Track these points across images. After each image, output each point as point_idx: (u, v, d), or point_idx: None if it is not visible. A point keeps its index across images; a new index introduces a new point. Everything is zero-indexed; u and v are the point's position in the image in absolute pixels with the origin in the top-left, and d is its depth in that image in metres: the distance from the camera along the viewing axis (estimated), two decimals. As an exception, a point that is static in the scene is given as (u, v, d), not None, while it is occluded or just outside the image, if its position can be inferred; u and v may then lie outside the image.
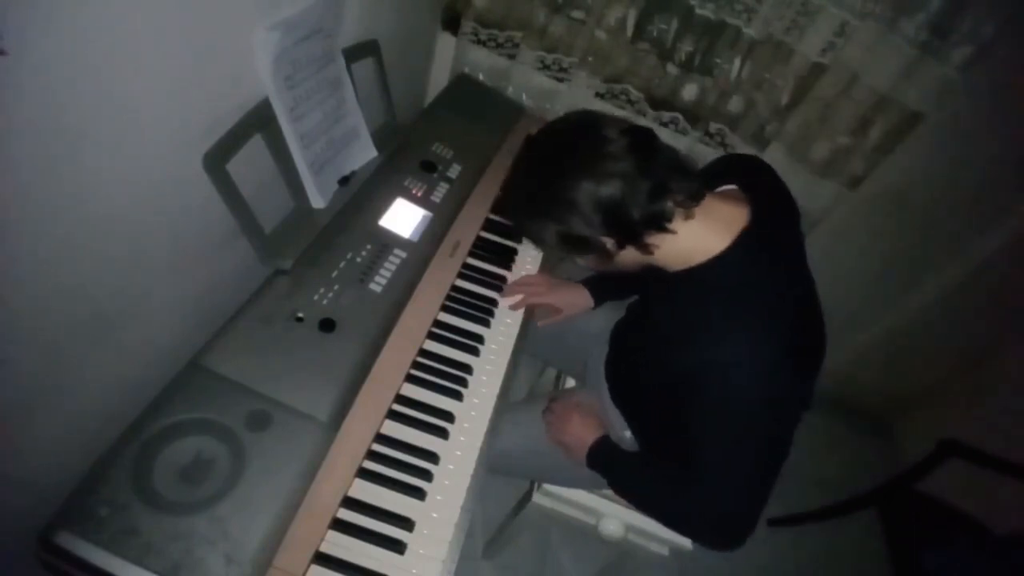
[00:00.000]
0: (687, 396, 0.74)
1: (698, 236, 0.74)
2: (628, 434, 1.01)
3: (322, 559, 0.70)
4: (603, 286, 1.16)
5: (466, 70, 1.56)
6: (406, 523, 0.76)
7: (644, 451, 0.99)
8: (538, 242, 0.79)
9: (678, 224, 0.72)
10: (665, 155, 0.73)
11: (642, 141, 0.71)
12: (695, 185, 0.74)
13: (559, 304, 1.12)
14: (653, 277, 0.81)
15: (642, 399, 0.97)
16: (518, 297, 1.09)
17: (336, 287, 0.89)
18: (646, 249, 0.74)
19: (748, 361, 0.69)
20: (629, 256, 0.76)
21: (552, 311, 1.13)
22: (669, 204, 0.72)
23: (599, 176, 0.69)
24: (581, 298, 1.15)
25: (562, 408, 1.00)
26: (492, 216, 1.20)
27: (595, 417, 0.98)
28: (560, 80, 1.57)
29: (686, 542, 1.09)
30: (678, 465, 0.84)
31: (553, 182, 0.71)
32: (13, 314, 0.59)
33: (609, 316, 1.18)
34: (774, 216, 0.79)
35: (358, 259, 0.94)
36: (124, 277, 0.73)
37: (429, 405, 0.89)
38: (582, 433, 0.95)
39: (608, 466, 0.92)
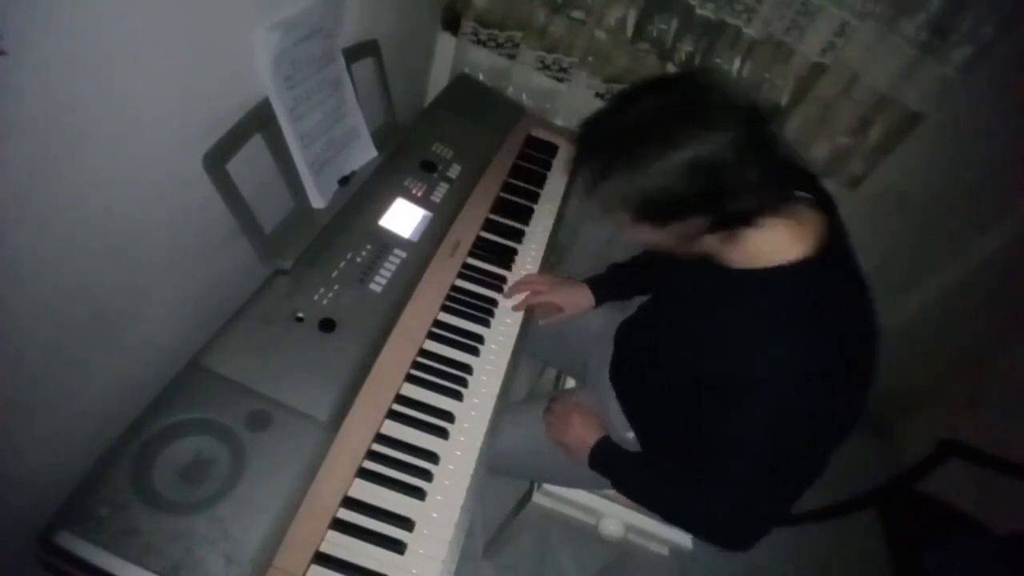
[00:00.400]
0: (729, 396, 0.72)
1: (781, 237, 0.71)
2: (631, 435, 1.01)
3: (322, 559, 0.70)
4: (606, 286, 1.16)
5: (466, 70, 1.56)
6: (406, 523, 0.76)
7: (646, 451, 0.99)
8: (613, 203, 0.69)
9: (767, 219, 0.69)
10: (778, 144, 0.67)
11: (762, 122, 0.66)
12: (792, 182, 0.71)
13: (561, 303, 1.12)
14: (706, 275, 0.78)
15: (652, 399, 0.96)
16: (520, 297, 1.09)
17: (336, 287, 0.89)
18: (730, 238, 0.70)
19: (810, 373, 0.68)
20: (705, 242, 0.71)
21: (554, 309, 1.13)
22: (771, 196, 0.68)
23: (717, 145, 0.62)
24: (583, 297, 1.15)
25: (562, 409, 1.00)
26: (492, 216, 1.20)
27: (595, 417, 0.98)
28: (560, 80, 1.57)
29: (686, 542, 1.08)
30: (681, 465, 0.84)
31: (669, 137, 0.63)
32: (13, 314, 0.59)
33: (611, 316, 1.18)
34: (845, 232, 0.77)
35: (358, 259, 0.94)
36: (124, 277, 0.73)
37: (429, 405, 0.89)
38: (583, 434, 0.95)
39: (610, 467, 0.92)
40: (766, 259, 0.72)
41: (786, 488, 0.75)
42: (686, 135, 0.63)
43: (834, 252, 0.73)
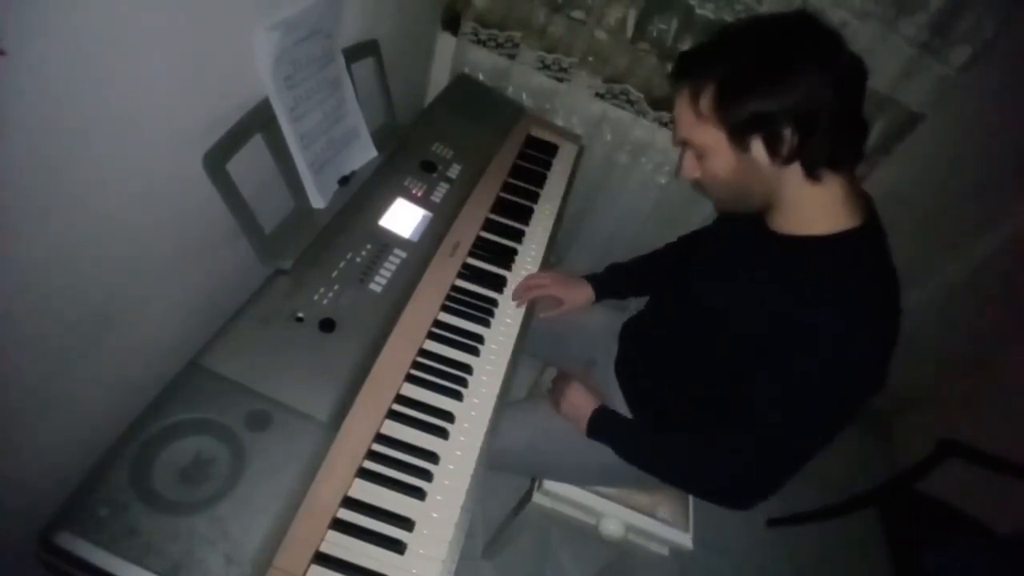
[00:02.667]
0: (777, 357, 0.73)
1: (836, 202, 0.73)
2: None
3: (322, 559, 0.70)
4: (605, 283, 1.17)
5: (466, 70, 1.56)
6: (406, 523, 0.76)
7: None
8: (717, 114, 0.70)
9: (830, 178, 0.72)
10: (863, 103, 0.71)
11: (864, 75, 0.70)
12: (863, 145, 0.74)
13: (561, 295, 1.13)
14: (752, 245, 0.81)
15: (664, 386, 0.97)
16: (525, 295, 1.09)
17: (336, 287, 0.89)
18: (808, 174, 0.71)
19: (862, 344, 0.70)
20: (771, 179, 0.72)
21: (554, 303, 1.13)
22: (855, 146, 0.72)
23: (834, 75, 0.66)
24: (583, 292, 1.16)
25: (560, 379, 1.03)
26: (492, 216, 1.20)
27: (594, 390, 1.01)
28: (560, 80, 1.57)
29: (686, 542, 1.08)
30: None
31: (791, 56, 0.67)
32: (13, 315, 0.59)
33: (612, 316, 1.18)
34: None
35: (358, 259, 0.94)
36: (124, 277, 0.73)
37: (429, 405, 0.89)
38: (580, 401, 0.97)
39: (610, 432, 0.95)
40: (819, 225, 0.74)
41: (807, 449, 0.77)
42: (811, 56, 0.66)
43: (877, 225, 0.76)
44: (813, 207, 0.74)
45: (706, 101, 0.71)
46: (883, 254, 0.75)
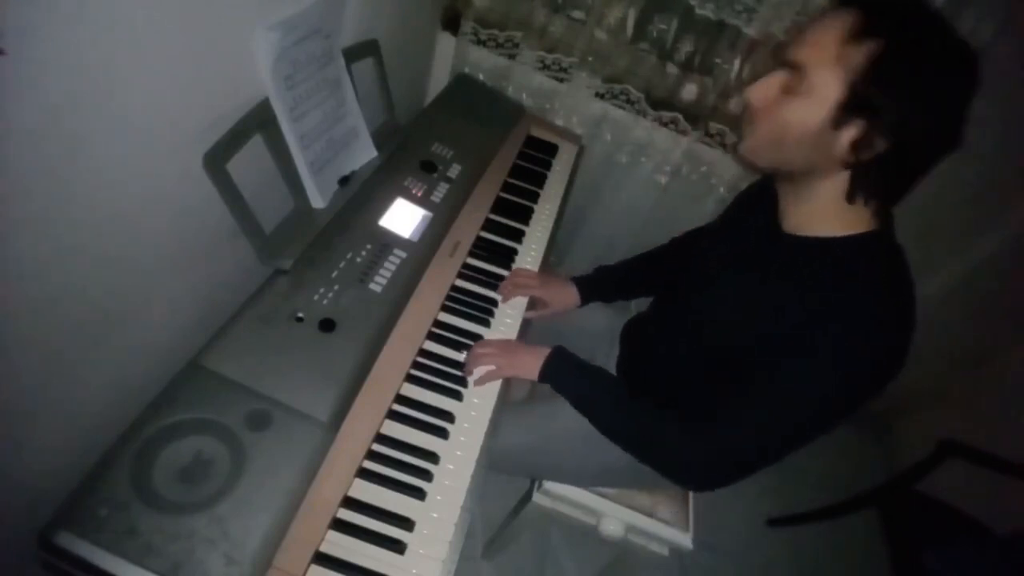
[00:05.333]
0: (786, 358, 0.72)
1: (854, 207, 0.72)
2: None
3: (322, 559, 0.70)
4: (591, 285, 1.17)
5: (466, 70, 1.56)
6: (406, 523, 0.76)
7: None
8: (855, 70, 0.63)
9: (860, 205, 0.71)
10: None
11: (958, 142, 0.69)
12: None
13: (546, 298, 1.12)
14: (764, 245, 0.80)
15: (666, 390, 0.96)
16: (508, 289, 1.09)
17: (336, 287, 0.89)
18: (849, 194, 0.70)
19: (876, 351, 0.68)
20: (819, 166, 0.70)
21: (540, 304, 1.13)
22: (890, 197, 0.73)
23: (950, 126, 0.67)
24: (569, 295, 1.15)
25: (498, 343, 0.99)
26: (492, 216, 1.20)
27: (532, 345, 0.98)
28: (560, 80, 1.57)
29: (686, 542, 1.08)
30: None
31: (952, 84, 0.64)
32: (13, 315, 0.59)
33: (612, 316, 1.18)
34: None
35: (358, 259, 0.94)
36: (124, 277, 0.73)
37: (429, 405, 0.89)
38: (532, 350, 0.95)
39: (570, 373, 0.93)
40: (833, 226, 0.73)
41: (788, 447, 0.76)
42: (959, 98, 0.65)
43: (892, 230, 0.75)
44: (830, 208, 0.73)
45: (862, 52, 0.63)
46: (899, 259, 0.74)
